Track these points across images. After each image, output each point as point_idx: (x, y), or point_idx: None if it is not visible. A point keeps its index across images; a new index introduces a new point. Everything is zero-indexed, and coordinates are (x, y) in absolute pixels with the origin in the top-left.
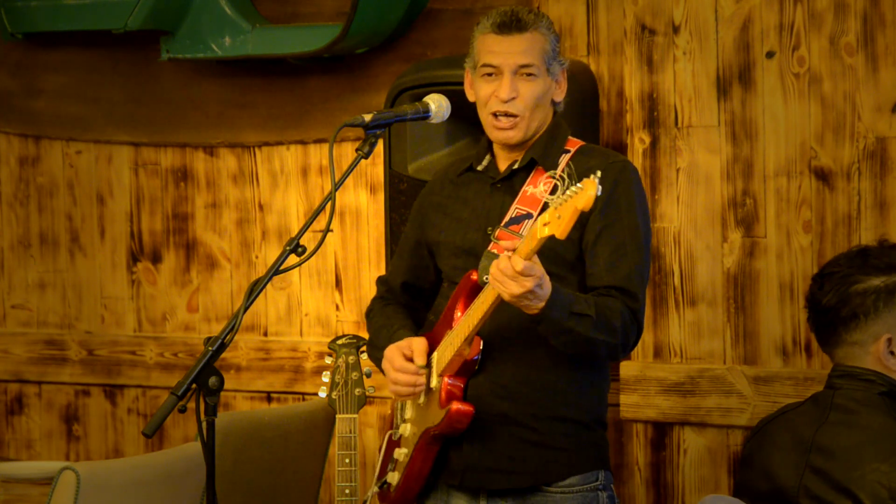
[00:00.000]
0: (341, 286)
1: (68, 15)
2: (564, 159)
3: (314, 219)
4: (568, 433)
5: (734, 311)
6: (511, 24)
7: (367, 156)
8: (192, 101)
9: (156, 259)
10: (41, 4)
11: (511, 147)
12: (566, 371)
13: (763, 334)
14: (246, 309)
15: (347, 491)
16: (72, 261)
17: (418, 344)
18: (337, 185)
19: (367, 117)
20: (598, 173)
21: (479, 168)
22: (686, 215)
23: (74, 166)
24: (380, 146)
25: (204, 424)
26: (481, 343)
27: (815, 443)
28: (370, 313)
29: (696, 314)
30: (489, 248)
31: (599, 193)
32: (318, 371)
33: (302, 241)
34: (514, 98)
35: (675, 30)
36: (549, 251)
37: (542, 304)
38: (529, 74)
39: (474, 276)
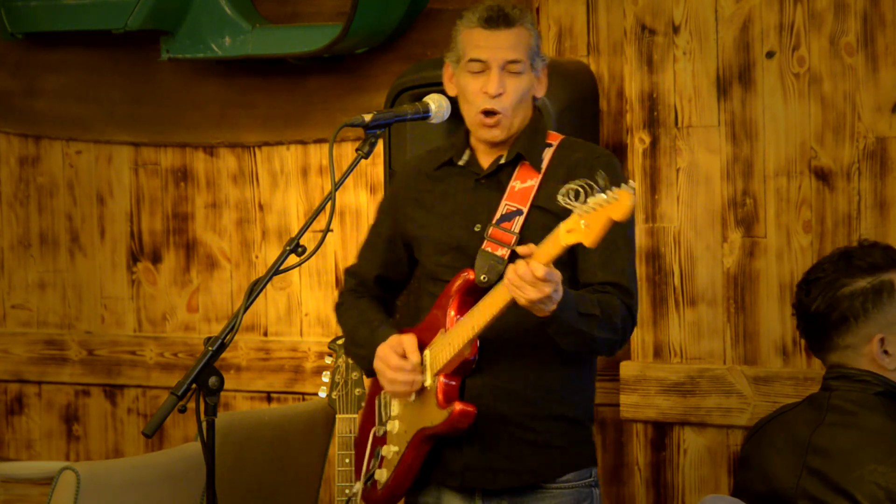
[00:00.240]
0: (341, 286)
1: (68, 15)
2: (548, 153)
3: (314, 219)
4: (564, 431)
5: (734, 311)
6: (499, 19)
7: (367, 156)
8: (192, 101)
9: (156, 259)
10: (41, 4)
11: (493, 143)
12: (561, 369)
13: (763, 334)
14: (246, 309)
15: (347, 491)
16: (72, 261)
17: (409, 342)
18: (337, 185)
19: (367, 117)
20: (632, 182)
21: (461, 163)
22: (686, 215)
23: (74, 166)
24: (380, 146)
25: (204, 424)
26: (478, 342)
27: (813, 444)
28: (341, 307)
29: (696, 314)
30: (483, 247)
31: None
32: (318, 371)
33: (302, 241)
34: (501, 94)
35: (675, 30)
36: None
37: (555, 306)
38: (516, 71)
39: (471, 276)
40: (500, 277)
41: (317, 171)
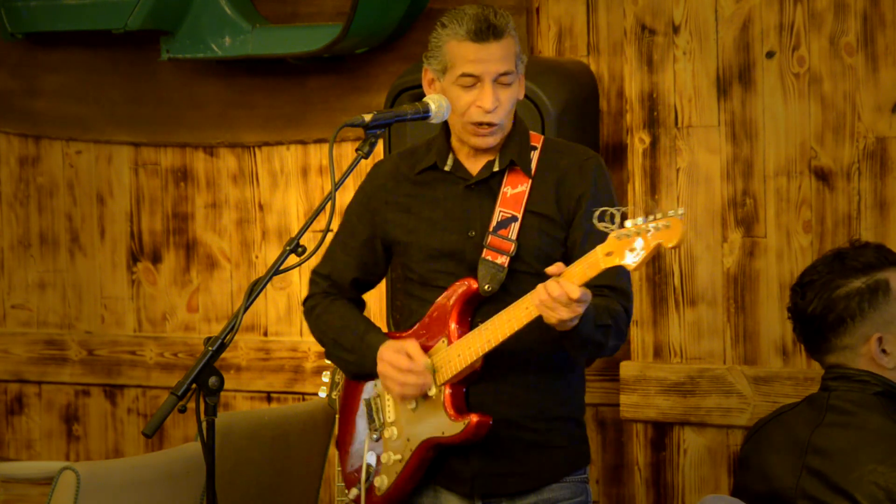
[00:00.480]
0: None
1: (68, 15)
2: (535, 157)
3: (314, 219)
4: (564, 431)
5: (734, 311)
6: (488, 31)
7: (367, 156)
8: (192, 101)
9: (156, 259)
10: (41, 4)
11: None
12: (560, 372)
13: (763, 334)
14: (246, 309)
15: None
16: (72, 261)
17: (413, 345)
18: (337, 185)
19: (367, 117)
20: (681, 210)
21: (446, 168)
22: (686, 215)
23: (74, 166)
24: (380, 146)
25: (204, 424)
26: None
27: (812, 444)
28: (314, 309)
29: (696, 314)
30: (483, 256)
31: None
32: (318, 371)
33: (302, 241)
34: (496, 108)
35: (675, 30)
36: (536, 249)
37: (578, 321)
38: (507, 82)
39: (474, 285)
40: (502, 286)
41: (317, 171)
